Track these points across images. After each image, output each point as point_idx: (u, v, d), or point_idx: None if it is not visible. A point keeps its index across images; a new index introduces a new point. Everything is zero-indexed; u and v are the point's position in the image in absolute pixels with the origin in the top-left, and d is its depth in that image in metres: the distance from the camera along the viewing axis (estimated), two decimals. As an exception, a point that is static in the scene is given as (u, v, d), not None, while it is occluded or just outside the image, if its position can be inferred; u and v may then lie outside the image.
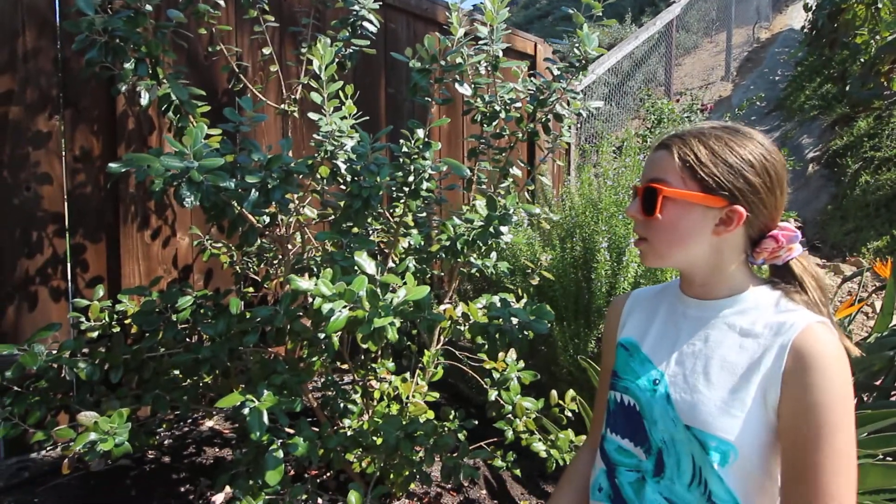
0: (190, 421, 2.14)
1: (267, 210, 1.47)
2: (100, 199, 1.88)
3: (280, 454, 1.26)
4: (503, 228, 1.47)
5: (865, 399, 1.86)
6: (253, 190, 1.23)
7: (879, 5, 5.14)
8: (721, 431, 0.78)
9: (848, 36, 5.54)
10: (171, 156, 1.14)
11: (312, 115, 1.45)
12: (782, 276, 0.87)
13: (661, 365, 0.87)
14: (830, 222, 4.64)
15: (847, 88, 5.52)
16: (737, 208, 0.82)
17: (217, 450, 1.98)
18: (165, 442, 1.98)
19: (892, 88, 5.03)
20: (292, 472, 1.86)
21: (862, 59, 5.41)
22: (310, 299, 1.19)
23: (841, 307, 1.77)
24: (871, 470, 1.19)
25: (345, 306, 1.05)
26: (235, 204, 1.31)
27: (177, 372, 1.61)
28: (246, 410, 1.21)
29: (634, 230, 0.89)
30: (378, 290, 1.07)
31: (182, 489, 1.76)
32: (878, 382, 1.82)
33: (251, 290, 2.05)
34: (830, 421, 0.72)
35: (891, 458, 1.35)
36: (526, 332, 1.31)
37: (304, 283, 1.16)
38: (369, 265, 1.11)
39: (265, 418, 1.20)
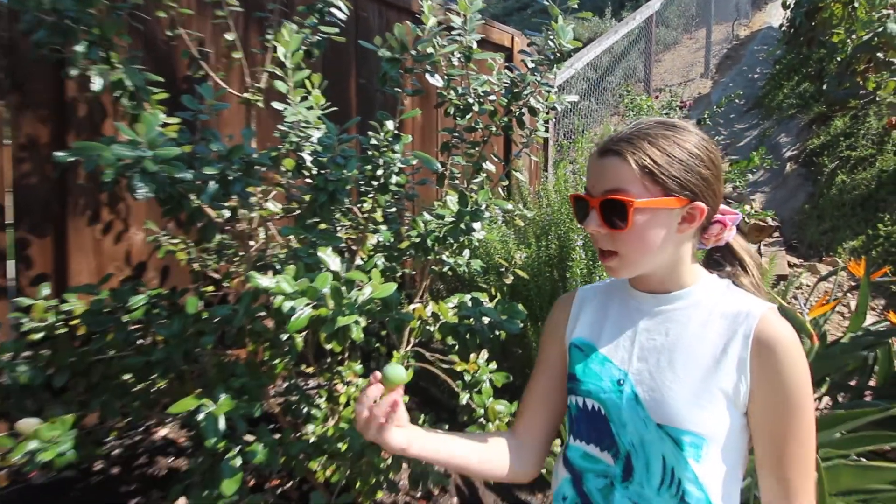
0: (142, 429, 2.09)
1: (227, 204, 1.45)
2: (47, 190, 1.82)
3: (237, 462, 1.24)
4: (475, 225, 1.47)
5: (840, 399, 1.92)
6: (212, 182, 1.21)
7: (856, 4, 5.31)
8: (693, 425, 0.80)
9: (825, 34, 5.71)
10: (124, 144, 1.11)
11: (277, 105, 1.43)
12: (723, 257, 0.93)
13: (623, 364, 0.88)
14: (808, 222, 4.79)
15: (824, 87, 5.70)
16: (698, 205, 0.85)
17: (171, 460, 1.94)
18: (115, 451, 1.93)
19: (867, 88, 5.21)
20: (252, 482, 1.83)
21: (838, 58, 5.59)
22: (271, 298, 1.17)
23: (815, 306, 1.83)
24: (844, 470, 1.23)
25: (307, 304, 1.04)
26: (193, 197, 1.29)
27: (128, 376, 1.57)
28: (201, 416, 1.19)
29: (597, 245, 0.86)
30: (343, 288, 1.06)
31: (132, 502, 1.72)
32: (852, 382, 1.88)
33: (211, 288, 2.02)
34: (801, 399, 0.80)
35: (864, 459, 1.40)
36: (498, 332, 1.31)
37: (265, 280, 1.14)
38: (334, 262, 1.10)
39: (221, 424, 1.18)
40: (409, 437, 0.76)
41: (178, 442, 2.09)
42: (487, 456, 0.86)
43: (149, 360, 1.34)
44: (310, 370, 2.03)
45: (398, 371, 0.75)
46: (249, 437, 1.43)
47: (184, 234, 1.95)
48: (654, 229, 0.83)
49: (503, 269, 2.06)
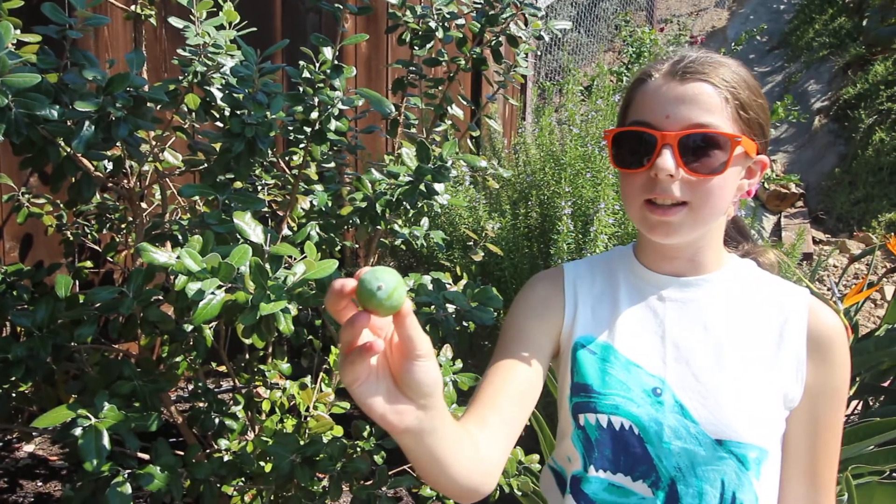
0: (1, 445, 2.02)
1: (109, 153, 1.38)
2: None
3: (127, 489, 1.20)
4: (438, 186, 1.45)
5: (871, 403, 1.99)
6: (86, 123, 1.14)
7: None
8: (758, 437, 0.82)
9: (867, -42, 5.85)
10: (-38, 69, 1.03)
11: (176, 22, 1.35)
12: (726, 232, 0.94)
13: (656, 369, 0.86)
14: (837, 189, 4.95)
15: (864, 23, 5.85)
16: (762, 158, 0.87)
17: (40, 484, 1.88)
18: (-37, 475, 1.86)
19: (915, 26, 5.37)
20: (148, 512, 1.80)
21: (882, -12, 5.73)
22: (171, 278, 1.13)
23: (849, 294, 1.89)
24: (878, 490, 1.28)
25: (220, 287, 1.00)
26: (62, 143, 1.22)
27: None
28: (78, 431, 1.14)
29: (653, 192, 0.82)
30: (267, 266, 1.02)
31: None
32: (885, 384, 1.96)
33: (89, 264, 1.94)
34: (844, 393, 0.87)
35: (897, 474, 1.47)
36: (466, 323, 1.30)
37: (163, 254, 1.09)
38: (255, 231, 1.06)
39: (105, 441, 1.14)
40: (424, 414, 0.61)
41: (51, 460, 2.02)
42: (468, 454, 0.75)
43: (6, 358, 1.27)
44: (222, 368, 1.99)
45: (389, 280, 0.54)
46: (144, 455, 1.39)
47: (51, 193, 1.85)
48: (732, 180, 0.84)
49: (471, 244, 2.06)
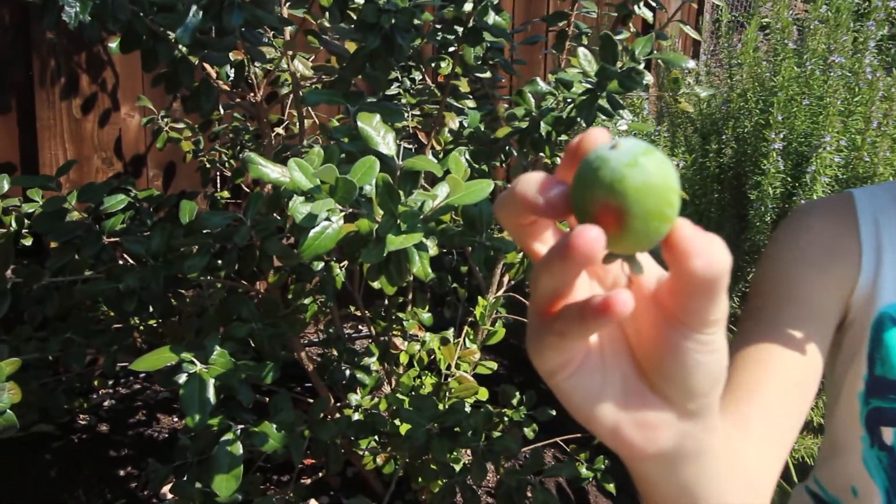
0: (144, 376, 1.97)
1: (232, 56, 1.18)
2: (4, 45, 1.63)
3: (238, 449, 1.02)
4: (621, 101, 1.11)
5: None
6: (194, 7, 0.92)
7: None
8: None
9: None
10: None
11: None
12: None
13: None
14: None
15: None
16: None
17: (176, 419, 1.81)
18: (105, 403, 1.82)
19: None
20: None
21: None
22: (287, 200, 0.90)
23: None
24: None
25: (337, 211, 0.75)
26: (170, 35, 1.01)
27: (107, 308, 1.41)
28: (182, 378, 0.96)
29: None
30: (398, 186, 0.76)
31: (121, 472, 1.61)
32: None
33: (226, 194, 1.80)
34: None
35: None
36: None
37: (276, 169, 0.86)
38: (385, 139, 0.80)
39: (210, 392, 0.95)
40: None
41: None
42: (740, 483, 0.43)
43: (117, 288, 1.12)
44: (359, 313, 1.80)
45: (651, 166, 0.25)
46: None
47: (185, 113, 1.72)
48: None
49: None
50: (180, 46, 1.12)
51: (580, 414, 0.31)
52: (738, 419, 0.51)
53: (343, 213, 0.78)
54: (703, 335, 0.28)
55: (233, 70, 1.20)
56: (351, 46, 1.23)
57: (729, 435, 0.46)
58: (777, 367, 0.55)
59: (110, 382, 1.88)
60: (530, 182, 0.27)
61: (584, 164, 0.26)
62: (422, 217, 0.75)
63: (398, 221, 0.75)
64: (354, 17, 1.21)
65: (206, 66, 1.20)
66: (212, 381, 0.97)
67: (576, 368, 0.30)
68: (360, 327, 2.31)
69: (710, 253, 0.26)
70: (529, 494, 1.15)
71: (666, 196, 0.25)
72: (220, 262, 1.10)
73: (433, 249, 0.82)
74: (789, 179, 1.66)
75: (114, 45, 1.13)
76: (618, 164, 0.25)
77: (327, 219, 0.76)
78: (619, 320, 0.25)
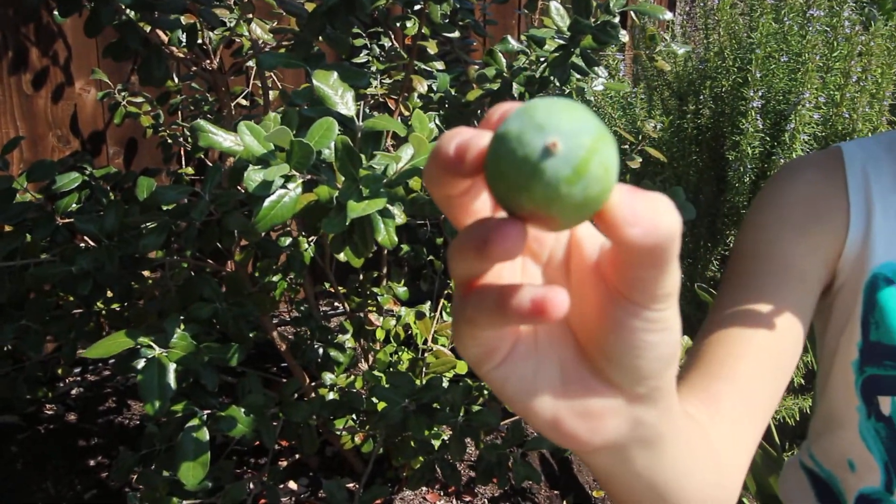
0: (113, 362, 1.91)
1: (184, 20, 1.10)
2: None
3: (204, 435, 0.97)
4: (595, 58, 1.06)
5: None
6: (133, -37, 0.84)
7: None
8: None
9: None
10: None
11: None
12: None
13: None
14: None
15: None
16: None
17: (147, 405, 1.75)
18: (73, 391, 1.75)
19: None
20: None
21: None
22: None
23: None
24: None
25: (292, 178, 0.69)
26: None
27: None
28: (140, 364, 0.90)
29: None
30: (359, 149, 0.70)
31: (91, 462, 1.55)
32: None
33: (190, 171, 1.72)
34: None
35: None
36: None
37: (227, 136, 0.80)
38: (343, 98, 0.73)
39: (171, 378, 0.89)
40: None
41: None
42: (706, 469, 0.44)
43: (70, 270, 1.06)
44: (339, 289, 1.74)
45: (573, 131, 0.20)
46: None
47: (141, 85, 1.63)
48: None
49: (626, 147, 1.64)
50: (128, 11, 1.05)
51: (516, 406, 0.26)
52: (708, 397, 0.46)
53: (301, 181, 0.72)
54: (651, 312, 0.24)
55: (185, 35, 1.12)
56: (311, 7, 1.15)
57: (693, 416, 0.41)
58: (751, 338, 0.50)
59: (77, 370, 1.82)
60: (449, 143, 0.21)
61: (500, 135, 0.20)
62: (385, 181, 0.69)
63: (360, 186, 0.69)
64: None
65: (160, 32, 1.12)
66: (172, 365, 0.91)
67: (504, 356, 0.25)
68: (336, 304, 2.25)
69: (651, 218, 0.21)
70: (511, 468, 1.11)
71: (597, 174, 0.20)
72: (175, 240, 1.03)
73: (400, 217, 0.76)
74: (768, 139, 1.62)
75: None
76: (534, 149, 0.19)
77: (284, 186, 0.70)
78: (557, 316, 0.21)
